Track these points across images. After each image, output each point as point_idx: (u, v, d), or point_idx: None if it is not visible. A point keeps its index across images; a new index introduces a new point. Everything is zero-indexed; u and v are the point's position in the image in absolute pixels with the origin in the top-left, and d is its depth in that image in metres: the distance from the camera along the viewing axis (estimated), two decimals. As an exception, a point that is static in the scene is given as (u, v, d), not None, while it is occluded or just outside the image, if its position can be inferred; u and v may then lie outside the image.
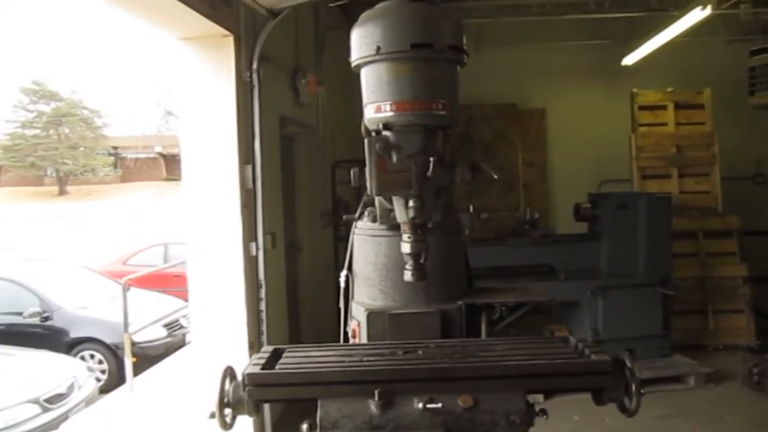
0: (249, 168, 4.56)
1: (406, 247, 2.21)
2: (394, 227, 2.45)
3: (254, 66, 4.53)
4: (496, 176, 2.27)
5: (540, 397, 5.23)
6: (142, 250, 14.88)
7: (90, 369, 8.64)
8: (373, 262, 2.57)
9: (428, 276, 2.26)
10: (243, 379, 2.04)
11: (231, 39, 4.46)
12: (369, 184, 2.13)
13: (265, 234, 4.73)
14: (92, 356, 9.13)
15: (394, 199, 2.21)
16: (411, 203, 2.13)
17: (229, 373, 2.12)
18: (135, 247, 15.36)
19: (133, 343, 8.54)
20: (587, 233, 6.73)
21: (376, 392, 1.94)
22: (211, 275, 4.56)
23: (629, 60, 8.66)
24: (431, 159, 2.11)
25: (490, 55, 8.38)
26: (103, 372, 9.00)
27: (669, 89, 8.22)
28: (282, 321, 5.34)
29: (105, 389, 8.10)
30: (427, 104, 2.17)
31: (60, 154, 44.59)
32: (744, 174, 9.14)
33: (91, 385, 7.54)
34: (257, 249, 4.60)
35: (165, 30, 4.46)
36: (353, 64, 2.28)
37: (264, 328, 4.62)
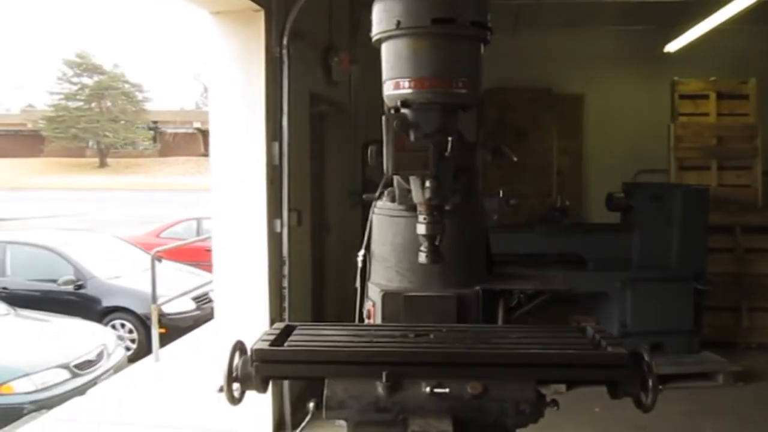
0: (276, 145, 4.54)
1: (421, 229, 2.17)
2: (413, 208, 2.40)
3: (284, 42, 4.50)
4: (515, 158, 2.21)
5: (562, 387, 5.15)
6: (175, 223, 15.11)
7: (120, 338, 8.83)
8: (391, 243, 2.54)
9: (444, 259, 2.21)
10: (251, 355, 2.03)
11: (262, 14, 4.43)
12: (385, 162, 2.09)
13: (290, 211, 4.72)
14: (123, 325, 9.33)
15: (411, 179, 2.17)
16: (427, 183, 2.09)
17: (239, 347, 2.11)
18: (169, 220, 15.59)
19: (163, 315, 8.74)
20: (619, 224, 6.59)
21: (383, 374, 1.91)
22: (235, 251, 4.58)
23: (672, 47, 8.40)
24: (449, 139, 2.06)
25: (527, 37, 8.22)
26: (132, 341, 9.19)
27: (712, 78, 7.96)
28: (305, 299, 5.35)
29: (134, 358, 8.28)
30: (446, 82, 2.12)
31: (101, 127, 45.49)
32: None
33: (120, 354, 7.72)
34: (281, 226, 4.60)
35: (197, 4, 4.45)
36: (374, 39, 2.23)
37: (286, 305, 4.64)
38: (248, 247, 4.56)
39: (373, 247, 2.65)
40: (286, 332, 2.21)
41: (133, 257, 10.71)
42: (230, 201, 4.58)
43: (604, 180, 8.31)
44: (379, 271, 2.61)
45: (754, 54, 8.36)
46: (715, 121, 7.88)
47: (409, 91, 2.14)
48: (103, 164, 47.19)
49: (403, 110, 2.18)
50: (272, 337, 2.10)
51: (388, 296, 2.48)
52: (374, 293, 2.56)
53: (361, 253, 2.69)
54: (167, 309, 8.86)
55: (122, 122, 46.75)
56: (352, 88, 6.78)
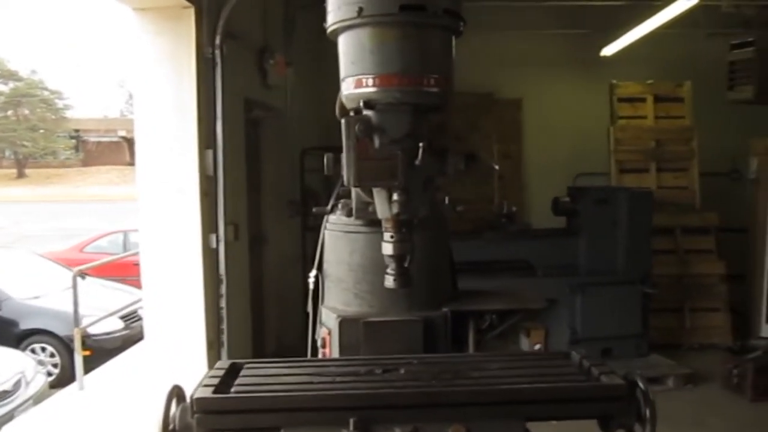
0: (210, 153, 4.18)
1: (388, 248, 1.89)
2: (372, 223, 2.13)
3: (217, 42, 4.15)
4: (497, 167, 1.98)
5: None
6: (100, 237, 14.32)
7: (41, 363, 8.18)
8: (347, 262, 2.25)
9: (413, 283, 1.94)
10: (191, 404, 1.70)
11: (192, 11, 4.06)
12: (346, 172, 1.81)
13: (227, 225, 4.36)
14: (44, 349, 8.67)
15: (375, 191, 1.89)
16: (395, 196, 1.81)
17: (177, 393, 1.77)
18: (92, 233, 14.77)
19: (88, 336, 8.15)
20: (565, 228, 6.50)
21: (351, 421, 1.62)
22: (167, 268, 4.19)
23: (608, 51, 8.44)
24: (420, 145, 1.79)
25: (465, 41, 7.99)
26: (55, 366, 8.54)
27: (649, 81, 8.02)
28: (245, 319, 4.99)
29: (57, 384, 7.68)
30: (417, 79, 1.84)
31: (18, 136, 43.37)
32: (720, 170, 8.99)
33: (40, 381, 7.09)
34: (218, 241, 4.23)
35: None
36: (329, 30, 1.94)
37: (224, 326, 4.27)
38: (181, 265, 4.18)
39: (327, 266, 2.35)
40: (232, 373, 1.89)
41: (54, 275, 10.00)
42: (160, 214, 4.18)
43: (544, 184, 8.31)
44: (335, 294, 2.32)
45: (687, 57, 8.50)
46: (653, 124, 7.94)
47: (374, 89, 1.86)
48: (21, 175, 44.92)
49: (366, 112, 1.89)
50: (216, 381, 1.78)
51: (346, 323, 2.19)
52: (329, 319, 2.26)
53: (313, 273, 2.39)
54: (93, 330, 8.26)
55: (41, 131, 44.66)
56: (289, 92, 6.46)
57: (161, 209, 4.16)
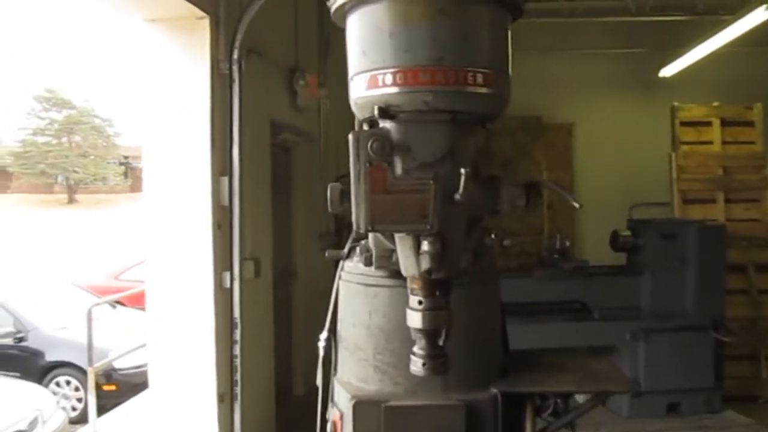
0: (225, 180, 3.71)
1: (415, 319, 1.34)
2: (399, 274, 1.59)
3: (235, 56, 3.70)
4: (577, 204, 1.42)
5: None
6: (137, 264, 14.05)
7: (65, 397, 7.86)
8: (366, 325, 1.71)
9: (449, 369, 1.39)
10: None
11: (207, 21, 3.63)
12: (355, 211, 1.29)
13: (243, 260, 3.88)
14: (68, 382, 8.32)
15: (398, 238, 1.36)
16: (426, 246, 1.28)
17: None
18: (130, 260, 14.52)
19: (114, 370, 7.81)
20: (626, 265, 5.84)
21: None
22: (175, 310, 3.71)
23: (668, 71, 7.80)
24: (463, 171, 1.25)
25: (514, 61, 7.55)
26: (79, 400, 8.17)
27: (715, 104, 7.32)
28: (265, 367, 4.47)
29: (80, 419, 7.31)
30: (459, 75, 1.31)
31: (70, 162, 44.41)
32: (790, 200, 8.18)
33: (59, 419, 6.71)
34: (232, 279, 3.74)
35: (127, 10, 3.65)
36: (333, 10, 1.42)
37: (238, 377, 3.75)
38: (191, 306, 3.70)
39: (341, 328, 1.82)
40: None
41: (85, 304, 9.70)
42: (168, 249, 3.72)
43: (597, 214, 7.65)
44: (350, 365, 1.78)
45: (756, 77, 7.82)
46: (720, 150, 7.21)
47: (394, 90, 1.33)
48: (72, 200, 45.91)
49: (384, 124, 1.36)
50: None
51: (362, 406, 1.65)
52: (342, 399, 1.73)
53: (324, 336, 1.86)
54: (120, 363, 7.89)
55: (92, 157, 45.70)
56: (323, 115, 6.02)
57: (170, 243, 3.70)
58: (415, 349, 1.36)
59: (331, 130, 6.10)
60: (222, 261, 3.72)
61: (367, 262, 1.69)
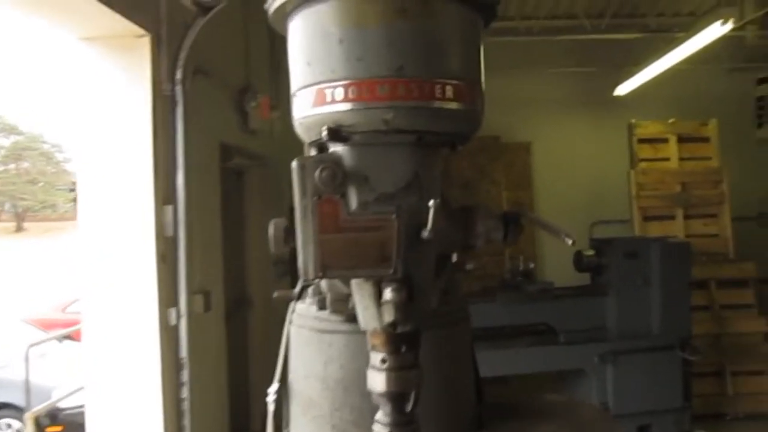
0: (169, 209, 3.45)
1: (378, 382, 1.12)
2: (354, 318, 1.37)
3: (178, 76, 3.46)
4: (570, 241, 1.23)
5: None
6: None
7: (5, 443, 7.35)
8: (321, 377, 1.48)
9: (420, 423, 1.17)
10: None
11: (147, 40, 3.39)
12: (301, 254, 1.07)
13: (191, 294, 3.60)
14: (9, 426, 7.80)
15: (354, 285, 1.14)
16: (388, 294, 1.06)
17: None
18: (78, 292, 13.93)
19: (60, 410, 7.35)
20: (590, 286, 5.72)
21: None
22: (115, 352, 3.41)
23: (623, 89, 7.82)
24: (432, 203, 1.04)
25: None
26: (22, 445, 7.65)
27: (671, 120, 7.34)
28: (217, 407, 4.18)
29: (24, 465, 6.81)
30: (425, 87, 1.10)
31: (18, 190, 43.23)
32: (746, 214, 8.26)
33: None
34: (179, 316, 3.46)
35: (62, 26, 3.38)
36: (272, 12, 1.21)
37: (186, 422, 3.46)
38: (133, 346, 3.40)
39: (292, 380, 1.59)
40: None
41: (29, 339, 9.17)
42: (107, 284, 3.43)
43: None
44: (304, 424, 1.54)
45: (709, 94, 7.89)
46: (678, 167, 7.23)
47: (347, 107, 1.11)
48: (19, 228, 44.49)
49: (335, 148, 1.15)
50: None
51: (317, 473, 1.42)
52: (294, 464, 1.49)
53: (273, 389, 1.62)
54: (65, 403, 7.42)
55: (41, 184, 44.47)
56: (276, 137, 5.79)
57: (108, 278, 3.41)
58: (378, 416, 1.14)
59: (286, 153, 5.87)
60: (167, 296, 3.44)
61: (321, 306, 1.47)
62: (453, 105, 1.12)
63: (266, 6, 1.18)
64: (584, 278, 5.90)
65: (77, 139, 3.48)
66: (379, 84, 1.08)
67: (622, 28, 7.45)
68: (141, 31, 3.39)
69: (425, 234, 1.03)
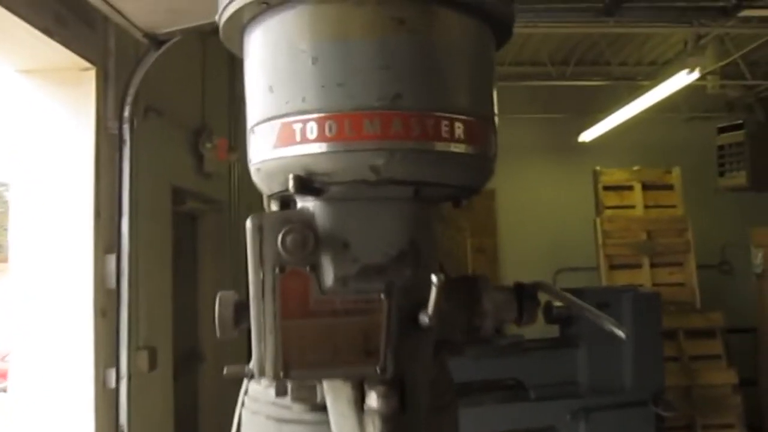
0: (112, 258, 3.12)
1: None
2: (323, 407, 1.10)
3: (126, 114, 3.18)
4: (622, 334, 1.00)
5: None
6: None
7: None
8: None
9: None
10: None
11: (92, 73, 3.11)
12: (256, 345, 0.80)
13: (135, 351, 3.26)
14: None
15: (328, 385, 0.88)
16: (375, 401, 0.80)
17: None
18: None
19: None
20: (560, 338, 5.49)
21: None
22: (45, 417, 3.02)
23: (587, 136, 7.80)
24: (435, 279, 0.78)
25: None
26: None
27: (635, 167, 7.30)
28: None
29: None
30: (428, 123, 0.83)
31: (-38, 230, 41.50)
32: (708, 262, 8.23)
33: None
34: (118, 377, 3.11)
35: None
36: (223, 24, 0.94)
37: (125, 500, 3.07)
38: (66, 411, 3.02)
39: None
40: None
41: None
42: (38, 341, 3.06)
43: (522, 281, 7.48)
44: None
45: (671, 142, 7.93)
46: (643, 214, 7.16)
47: (323, 148, 0.83)
48: (-39, 271, 42.67)
49: (305, 203, 0.88)
50: None
51: None
52: None
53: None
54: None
55: (-13, 224, 42.93)
56: (234, 181, 5.52)
57: (40, 334, 3.04)
58: None
59: (244, 197, 5.59)
60: (106, 356, 3.09)
61: (281, 390, 1.19)
62: (462, 147, 0.86)
63: (217, 17, 0.93)
64: (553, 330, 5.70)
65: (14, 178, 3.15)
66: (366, 118, 0.80)
67: (586, 76, 7.46)
68: (86, 63, 3.11)
69: (424, 320, 0.78)
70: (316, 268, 0.83)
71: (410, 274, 0.83)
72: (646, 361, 5.21)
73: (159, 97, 3.81)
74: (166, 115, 3.99)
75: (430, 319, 0.78)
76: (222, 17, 0.93)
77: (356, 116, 0.81)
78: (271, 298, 0.78)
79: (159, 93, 3.79)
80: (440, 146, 0.84)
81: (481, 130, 0.90)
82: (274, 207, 0.92)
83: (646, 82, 6.57)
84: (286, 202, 0.91)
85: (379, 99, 0.82)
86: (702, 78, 6.81)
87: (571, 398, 5.05)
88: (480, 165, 0.94)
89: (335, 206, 0.87)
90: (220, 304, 0.93)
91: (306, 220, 0.84)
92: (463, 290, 0.95)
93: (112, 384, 3.09)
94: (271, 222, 0.81)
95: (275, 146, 0.88)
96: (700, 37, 5.89)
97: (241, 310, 0.89)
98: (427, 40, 0.86)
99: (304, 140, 0.84)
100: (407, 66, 0.84)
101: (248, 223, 0.82)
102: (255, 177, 0.98)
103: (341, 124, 0.81)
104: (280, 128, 0.86)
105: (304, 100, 0.84)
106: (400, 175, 0.84)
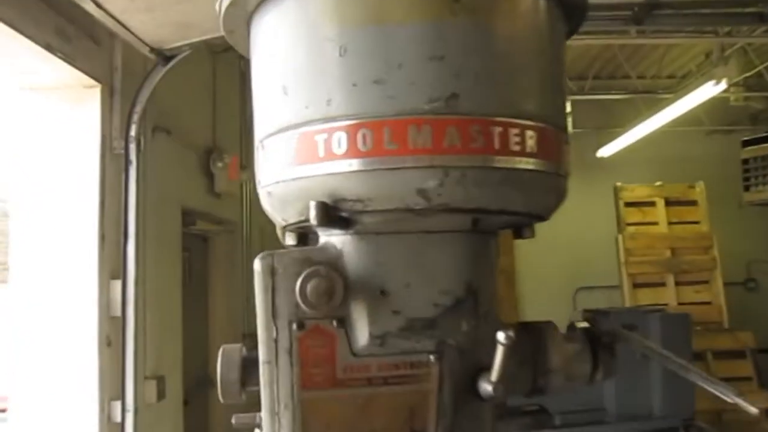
0: (117, 284, 2.96)
1: None
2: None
3: (132, 133, 3.03)
4: (755, 410, 0.83)
5: None
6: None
7: None
8: None
9: None
10: None
11: (97, 91, 2.97)
12: (268, 421, 0.63)
13: (142, 381, 3.08)
14: None
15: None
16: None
17: None
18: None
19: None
20: (586, 361, 5.28)
21: None
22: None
23: (607, 151, 7.61)
24: (502, 336, 0.59)
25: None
26: None
27: (658, 183, 7.10)
28: None
29: None
30: (494, 131, 0.61)
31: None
32: (733, 279, 7.98)
33: None
34: (124, 410, 2.93)
35: (2, 74, 2.96)
36: (224, 11, 0.76)
37: None
38: (70, 448, 2.85)
39: None
40: None
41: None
42: (39, 372, 2.90)
43: (541, 300, 7.35)
44: None
45: (694, 156, 7.71)
46: (667, 231, 6.94)
47: (354, 166, 0.62)
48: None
49: (329, 238, 0.69)
50: None
51: None
52: None
53: None
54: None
55: None
56: (246, 201, 5.37)
57: (41, 365, 2.88)
58: None
59: (256, 218, 5.44)
60: (111, 387, 2.92)
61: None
62: (534, 163, 0.68)
63: (217, 6, 0.75)
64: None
65: (15, 199, 3.01)
66: (412, 126, 0.60)
67: (604, 89, 7.29)
68: (91, 81, 2.98)
69: (487, 389, 0.60)
70: (345, 324, 0.65)
71: (467, 329, 0.65)
72: (676, 386, 4.99)
73: (167, 115, 3.68)
74: (174, 133, 3.86)
75: (495, 388, 0.60)
76: (222, 3, 0.75)
77: (399, 123, 0.61)
78: (287, 362, 0.60)
79: (167, 110, 3.66)
80: (508, 162, 0.65)
81: (556, 140, 0.72)
82: (290, 241, 0.74)
83: (666, 95, 6.38)
84: (305, 235, 0.72)
85: (429, 101, 0.62)
86: (725, 90, 6.63)
87: (597, 425, 4.86)
88: (554, 185, 0.76)
89: (370, 242, 0.67)
90: (223, 363, 0.75)
91: (332, 261, 0.65)
92: (525, 341, 0.77)
93: (118, 418, 2.92)
94: (287, 263, 0.63)
95: (292, 164, 0.69)
96: (723, 48, 5.72)
97: (249, 366, 0.72)
98: (490, 23, 0.65)
99: (330, 156, 0.64)
100: (465, 57, 0.63)
101: (256, 265, 0.64)
102: (265, 203, 0.78)
103: (379, 135, 0.61)
104: (298, 140, 0.66)
105: (329, 103, 0.65)
106: (457, 202, 0.64)
